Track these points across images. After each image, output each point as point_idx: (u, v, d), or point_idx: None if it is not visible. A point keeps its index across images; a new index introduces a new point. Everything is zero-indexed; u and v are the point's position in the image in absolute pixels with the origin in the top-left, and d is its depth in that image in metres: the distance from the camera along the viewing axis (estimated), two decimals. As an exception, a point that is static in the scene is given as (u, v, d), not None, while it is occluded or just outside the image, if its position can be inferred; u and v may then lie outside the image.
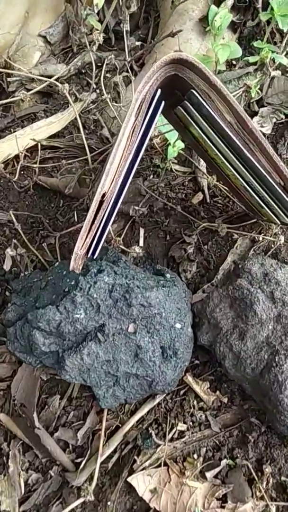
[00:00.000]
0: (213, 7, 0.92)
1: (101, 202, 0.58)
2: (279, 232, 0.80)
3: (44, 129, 0.97)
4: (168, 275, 0.69)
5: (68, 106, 1.06)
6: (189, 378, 0.65)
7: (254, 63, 0.99)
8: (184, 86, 0.59)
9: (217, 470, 0.59)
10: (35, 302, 0.67)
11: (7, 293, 0.83)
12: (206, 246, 0.84)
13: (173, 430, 0.63)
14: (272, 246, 0.81)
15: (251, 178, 0.66)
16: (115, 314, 0.61)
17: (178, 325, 0.63)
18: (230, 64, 1.06)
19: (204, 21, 1.05)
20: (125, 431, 0.63)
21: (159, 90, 0.57)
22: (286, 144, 0.93)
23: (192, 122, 0.65)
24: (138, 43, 1.09)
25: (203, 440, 0.62)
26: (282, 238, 0.78)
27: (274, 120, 0.93)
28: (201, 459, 0.60)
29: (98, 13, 1.04)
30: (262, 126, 0.93)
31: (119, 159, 0.56)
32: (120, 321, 0.61)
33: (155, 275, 0.71)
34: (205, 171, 0.93)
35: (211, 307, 0.66)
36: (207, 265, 0.83)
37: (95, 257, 0.63)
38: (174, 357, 0.63)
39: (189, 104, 0.62)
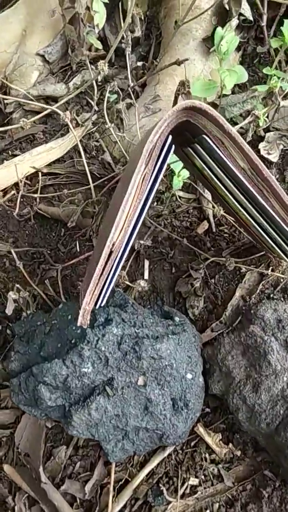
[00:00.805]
0: (219, 30, 0.88)
1: (109, 253, 0.55)
2: (289, 269, 0.78)
3: (44, 155, 0.94)
4: (177, 318, 0.67)
5: (67, 128, 1.03)
6: (201, 429, 0.63)
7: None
8: (195, 129, 0.57)
9: (231, 529, 0.57)
10: (40, 350, 0.64)
11: (8, 331, 0.80)
12: (213, 280, 0.82)
13: (185, 485, 0.61)
14: (281, 281, 0.79)
15: (263, 220, 0.63)
16: (124, 367, 0.59)
17: (189, 376, 0.61)
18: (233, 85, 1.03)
19: (207, 41, 1.02)
20: (135, 486, 0.61)
21: (170, 136, 0.54)
22: (293, 172, 0.91)
23: (202, 164, 0.62)
24: (139, 64, 1.06)
25: (216, 496, 0.60)
26: (292, 274, 0.76)
27: (281, 146, 0.91)
28: (214, 516, 0.58)
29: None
30: (269, 153, 0.91)
31: (129, 209, 0.54)
32: (129, 374, 0.59)
33: (164, 318, 0.68)
34: (210, 198, 0.91)
35: (223, 353, 0.64)
36: (215, 299, 0.81)
37: (102, 305, 0.61)
38: (185, 409, 0.61)
39: (199, 147, 0.59)
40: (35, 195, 0.88)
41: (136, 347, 0.59)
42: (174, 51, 1.02)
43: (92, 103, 0.98)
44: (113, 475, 0.62)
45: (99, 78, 0.82)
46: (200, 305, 0.80)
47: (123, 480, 0.63)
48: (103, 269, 0.54)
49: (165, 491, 0.59)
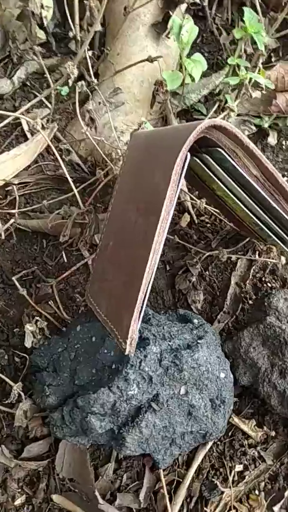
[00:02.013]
0: (176, 18, 0.87)
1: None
2: (279, 254, 0.83)
3: (9, 164, 0.88)
4: (195, 321, 0.70)
5: (19, 124, 0.97)
6: (236, 420, 0.68)
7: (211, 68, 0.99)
8: (205, 141, 0.57)
9: (282, 502, 0.64)
10: (72, 379, 0.64)
11: (15, 359, 0.77)
12: (207, 272, 0.85)
13: (232, 473, 0.66)
14: (269, 264, 0.85)
15: (267, 217, 0.67)
16: (167, 381, 0.61)
17: (222, 375, 0.65)
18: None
19: (156, 26, 1.00)
20: (187, 484, 0.65)
21: (188, 154, 0.54)
22: (260, 155, 0.95)
23: (209, 172, 0.63)
24: (90, 53, 1.01)
25: (260, 475, 0.66)
26: (283, 259, 0.82)
27: (246, 132, 0.94)
28: (263, 493, 0.64)
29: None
30: (236, 139, 0.93)
31: (161, 238, 0.54)
32: (172, 387, 0.61)
33: (182, 322, 0.70)
34: (186, 190, 0.92)
35: (244, 347, 0.69)
36: (212, 290, 0.84)
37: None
38: (222, 405, 0.65)
39: (208, 157, 0.60)
40: (13, 211, 0.82)
41: (177, 361, 0.60)
42: (125, 38, 0.99)
43: (49, 106, 0.92)
44: (163, 480, 0.65)
45: (70, 83, 0.77)
46: (201, 299, 0.84)
47: (174, 482, 0.66)
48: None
49: (218, 484, 0.64)
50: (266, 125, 0.95)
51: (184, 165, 0.54)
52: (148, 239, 0.55)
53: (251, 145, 0.55)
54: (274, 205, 0.61)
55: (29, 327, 0.65)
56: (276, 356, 0.67)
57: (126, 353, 0.54)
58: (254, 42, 0.87)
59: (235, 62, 0.84)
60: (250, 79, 0.81)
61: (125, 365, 0.59)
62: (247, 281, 0.84)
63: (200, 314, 0.82)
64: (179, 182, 0.54)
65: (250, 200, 0.64)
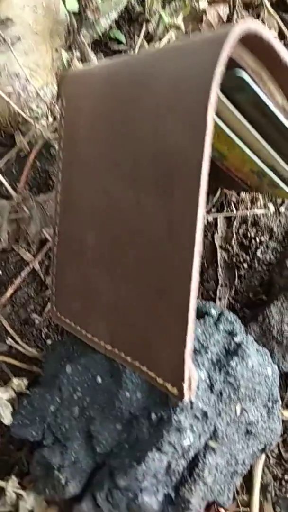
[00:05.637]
0: None
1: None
2: (266, 203, 0.70)
3: None
4: (213, 311, 0.54)
5: None
6: (286, 414, 0.56)
7: None
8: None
9: None
10: (90, 445, 0.44)
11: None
12: (185, 242, 0.69)
13: (299, 476, 0.55)
14: (248, 216, 0.71)
15: (281, 160, 0.51)
16: (223, 408, 0.45)
17: (269, 371, 0.51)
18: None
19: None
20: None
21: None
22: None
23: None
24: None
25: None
26: (271, 206, 0.69)
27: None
28: None
29: None
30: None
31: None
32: (228, 412, 0.45)
33: (197, 316, 0.54)
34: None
35: (275, 326, 0.55)
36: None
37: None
38: (275, 405, 0.52)
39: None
40: None
41: (230, 379, 0.44)
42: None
43: None
44: (229, 516, 0.52)
45: None
46: (189, 276, 0.67)
47: (242, 514, 0.53)
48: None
49: (294, 499, 0.52)
50: (201, 48, 0.78)
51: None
52: (178, 230, 0.36)
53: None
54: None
55: (2, 396, 0.43)
56: (316, 327, 0.55)
57: (186, 400, 0.36)
58: None
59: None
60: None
61: (172, 410, 0.41)
62: (232, 241, 0.70)
63: (193, 296, 0.66)
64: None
65: (259, 137, 0.48)
